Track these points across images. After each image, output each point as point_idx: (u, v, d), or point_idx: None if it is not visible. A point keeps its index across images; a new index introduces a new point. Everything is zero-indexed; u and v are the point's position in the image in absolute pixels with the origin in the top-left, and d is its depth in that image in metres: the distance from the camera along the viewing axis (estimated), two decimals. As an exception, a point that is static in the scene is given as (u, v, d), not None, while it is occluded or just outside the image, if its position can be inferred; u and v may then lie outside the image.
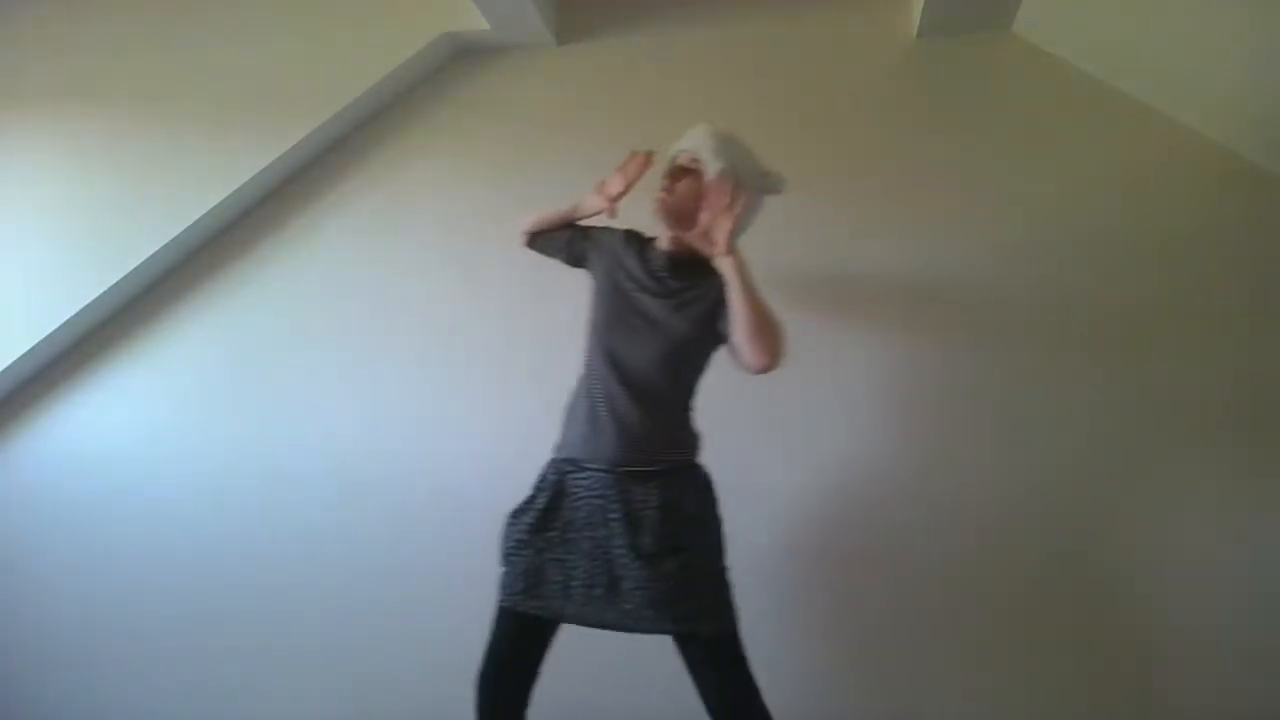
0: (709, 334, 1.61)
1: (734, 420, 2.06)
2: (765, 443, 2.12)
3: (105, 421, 2.42)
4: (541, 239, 1.82)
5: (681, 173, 1.62)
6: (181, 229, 2.30)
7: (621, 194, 1.71)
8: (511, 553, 1.61)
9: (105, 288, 2.31)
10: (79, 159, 2.38)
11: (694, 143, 1.62)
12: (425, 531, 2.25)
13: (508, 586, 1.60)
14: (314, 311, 2.36)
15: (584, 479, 1.59)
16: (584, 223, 1.80)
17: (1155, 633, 1.98)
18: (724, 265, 1.53)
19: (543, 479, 1.65)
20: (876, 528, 2.09)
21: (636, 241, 1.73)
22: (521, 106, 2.33)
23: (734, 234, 1.53)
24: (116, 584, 2.39)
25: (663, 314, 1.61)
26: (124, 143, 2.36)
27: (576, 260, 1.79)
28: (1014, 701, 2.02)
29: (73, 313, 2.32)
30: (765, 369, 1.51)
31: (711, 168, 1.58)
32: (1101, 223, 2.07)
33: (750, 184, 1.59)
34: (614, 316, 1.64)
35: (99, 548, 2.40)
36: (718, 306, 1.58)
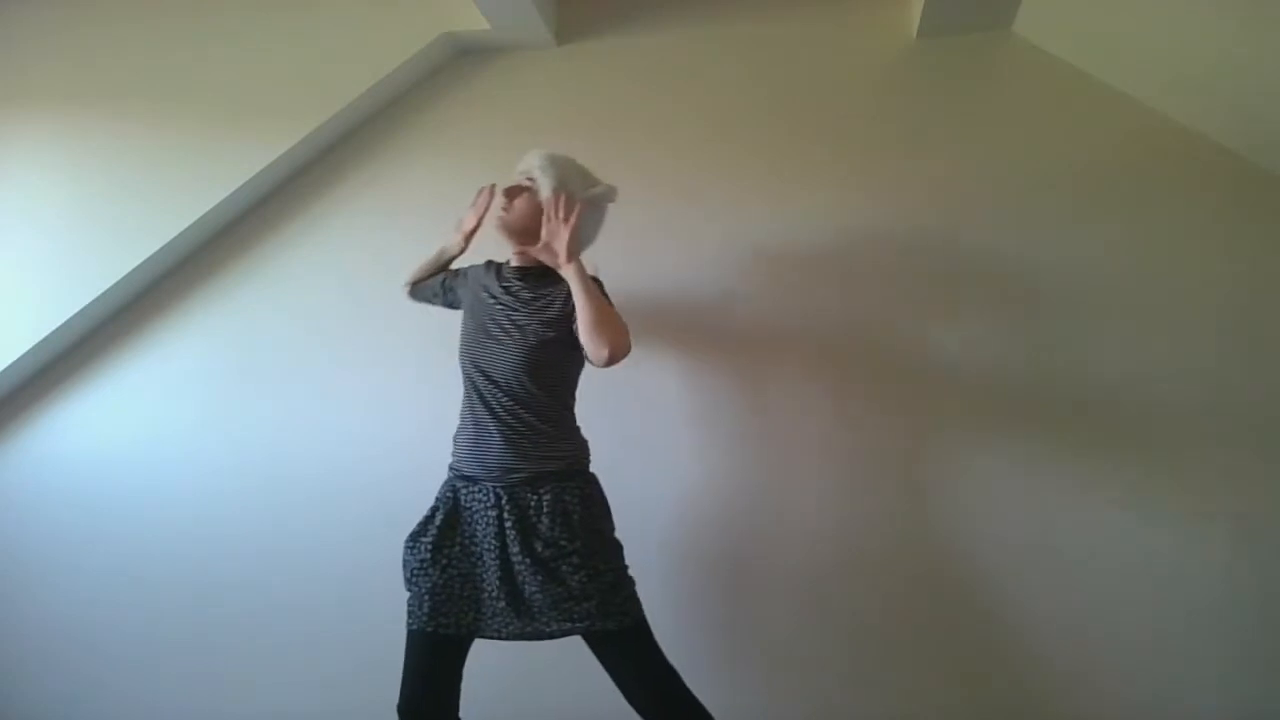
0: (564, 334, 1.67)
1: (732, 413, 2.06)
2: (759, 436, 2.13)
3: (105, 421, 2.42)
4: (419, 288, 2.02)
5: (517, 191, 1.75)
6: (181, 229, 2.30)
7: (475, 229, 1.93)
8: (416, 575, 1.65)
9: (105, 288, 2.31)
10: (79, 159, 2.38)
11: (527, 164, 1.75)
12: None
13: (416, 609, 1.63)
14: (314, 311, 2.36)
15: (477, 491, 1.65)
16: (455, 264, 1.98)
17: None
18: (566, 272, 1.65)
19: (439, 497, 1.71)
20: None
21: (494, 265, 1.87)
22: (521, 106, 2.33)
23: (573, 243, 1.66)
24: (116, 583, 2.39)
25: (519, 320, 1.69)
26: (124, 143, 2.36)
27: (451, 303, 1.95)
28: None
29: (73, 313, 2.31)
30: (605, 362, 1.59)
31: (543, 184, 1.71)
32: (1102, 223, 2.07)
33: (582, 196, 1.72)
34: (477, 330, 1.74)
35: (99, 548, 2.40)
36: (566, 308, 1.68)
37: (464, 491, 1.68)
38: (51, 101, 2.42)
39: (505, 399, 1.65)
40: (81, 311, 2.32)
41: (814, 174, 2.19)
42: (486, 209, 1.88)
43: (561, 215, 1.65)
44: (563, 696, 2.13)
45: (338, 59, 2.29)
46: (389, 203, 2.37)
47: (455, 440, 1.75)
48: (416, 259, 2.33)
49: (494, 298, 1.76)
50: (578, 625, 1.57)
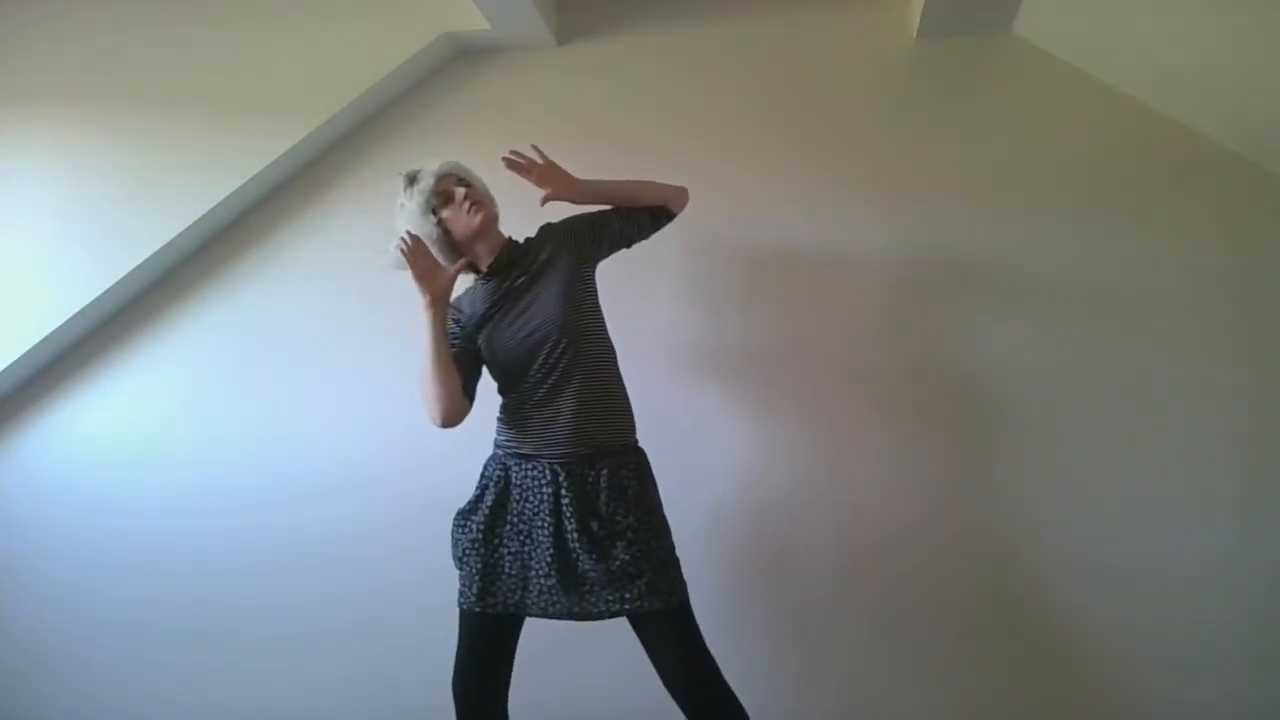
0: (587, 270, 1.72)
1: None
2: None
3: (104, 421, 2.42)
4: (461, 392, 1.69)
5: (442, 203, 1.69)
6: (182, 228, 2.29)
7: (419, 280, 1.65)
8: (467, 554, 1.64)
9: (105, 288, 2.31)
10: (78, 160, 2.38)
11: (426, 183, 1.70)
12: (427, 530, 2.24)
13: (466, 589, 1.63)
14: (314, 311, 2.36)
15: (530, 469, 1.63)
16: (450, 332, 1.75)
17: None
18: (582, 188, 1.72)
19: (487, 475, 1.70)
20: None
21: (465, 295, 1.78)
22: (521, 106, 2.33)
23: (557, 170, 1.71)
24: (116, 582, 2.39)
25: (536, 295, 1.68)
26: (124, 143, 2.36)
27: (478, 355, 1.75)
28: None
29: (72, 313, 2.31)
30: (684, 200, 1.77)
31: (463, 179, 1.72)
32: (1100, 222, 2.07)
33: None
34: (504, 336, 1.68)
35: (99, 547, 2.40)
36: (572, 246, 1.71)
37: (516, 469, 1.65)
38: (51, 102, 2.42)
39: (568, 368, 1.63)
40: (81, 312, 2.32)
41: (814, 174, 2.19)
42: (420, 254, 1.64)
43: (533, 160, 1.70)
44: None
45: (338, 59, 2.29)
46: (389, 203, 2.35)
47: (507, 422, 1.71)
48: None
49: (499, 307, 1.70)
50: (627, 604, 1.55)
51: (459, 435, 2.23)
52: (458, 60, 2.38)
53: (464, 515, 1.68)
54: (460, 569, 1.65)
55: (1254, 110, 1.91)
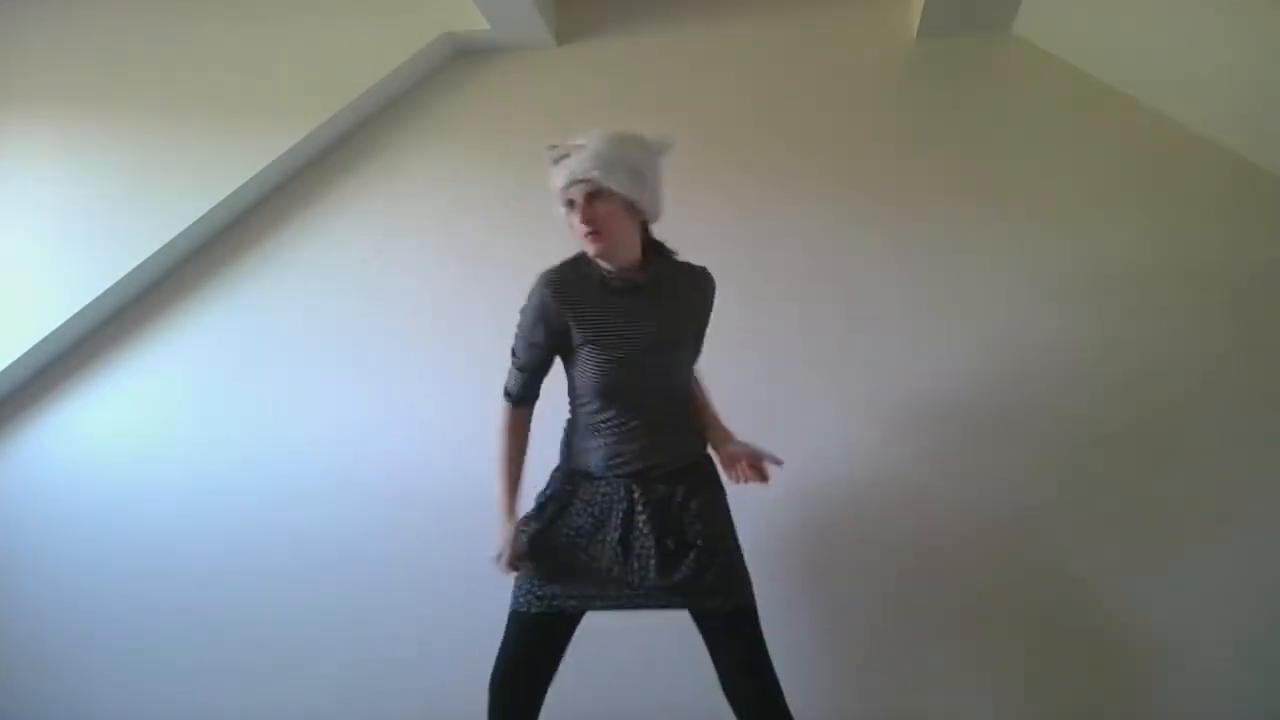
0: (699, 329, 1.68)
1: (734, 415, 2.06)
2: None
3: (104, 421, 2.42)
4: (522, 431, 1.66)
5: (568, 208, 1.52)
6: (182, 229, 2.30)
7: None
8: (523, 558, 1.61)
9: (105, 288, 2.31)
10: (79, 159, 2.38)
11: (557, 181, 1.51)
12: (427, 530, 2.25)
13: (516, 591, 1.61)
14: (314, 311, 2.36)
15: (601, 484, 1.60)
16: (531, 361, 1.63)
17: (1146, 637, 1.99)
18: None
19: (551, 489, 1.65)
20: (871, 528, 2.10)
21: (585, 269, 1.58)
22: (521, 106, 2.33)
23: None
24: (116, 582, 2.38)
25: (657, 312, 1.59)
26: (124, 143, 2.36)
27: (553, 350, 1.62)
28: (1010, 704, 2.03)
29: (72, 313, 2.31)
30: None
31: (616, 182, 1.47)
32: (1101, 222, 2.07)
33: (643, 160, 1.52)
34: (631, 339, 1.57)
35: (99, 546, 2.39)
36: (702, 318, 1.69)
37: (585, 485, 1.62)
38: (51, 102, 2.42)
39: (656, 397, 1.59)
40: (81, 312, 2.32)
41: (814, 173, 2.19)
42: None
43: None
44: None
45: (338, 59, 2.29)
46: (389, 203, 2.37)
47: (575, 445, 1.64)
48: (416, 259, 2.34)
49: (632, 301, 1.56)
50: (686, 603, 1.55)
51: (459, 435, 2.25)
52: (458, 60, 2.38)
53: (525, 520, 1.64)
54: (518, 571, 1.62)
55: (1254, 110, 1.91)
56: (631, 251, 1.55)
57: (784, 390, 2.15)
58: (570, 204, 1.50)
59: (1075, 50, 2.09)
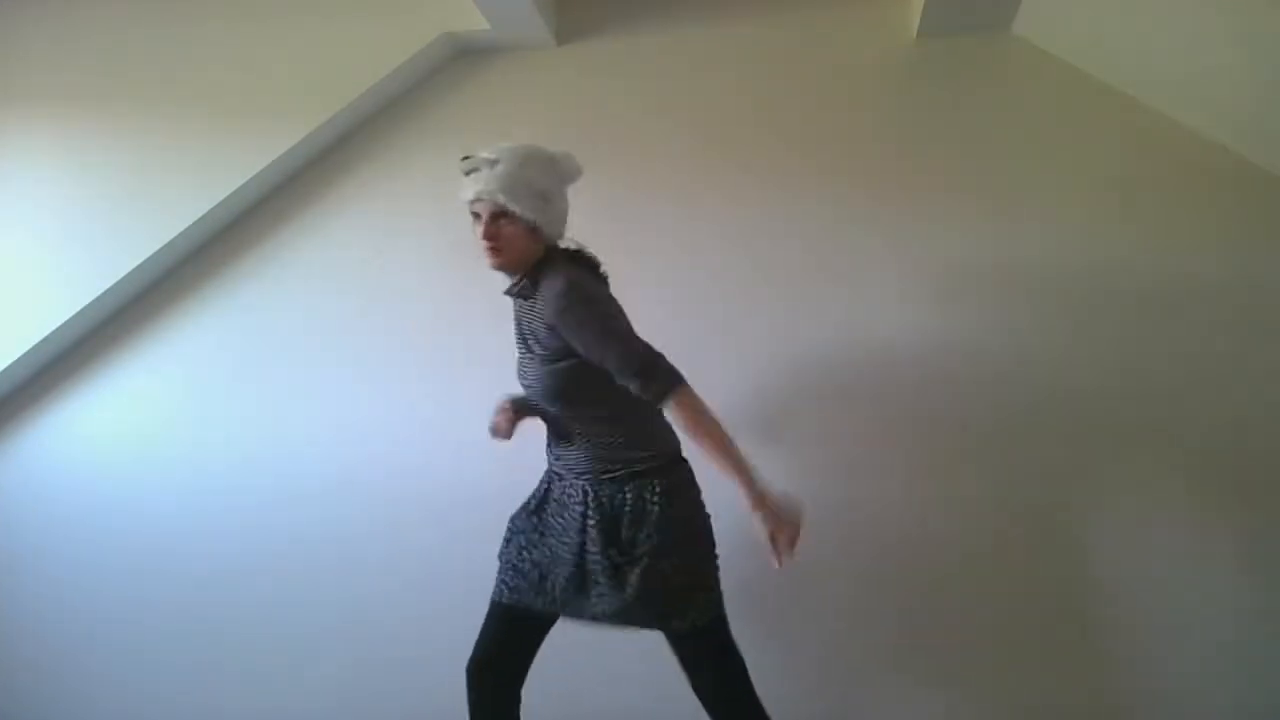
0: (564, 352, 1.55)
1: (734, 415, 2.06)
2: (762, 439, 2.12)
3: (105, 421, 2.42)
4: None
5: (495, 219, 1.54)
6: (182, 229, 2.29)
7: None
8: (502, 551, 1.68)
9: (105, 288, 2.31)
10: (79, 159, 2.38)
11: (485, 187, 1.53)
12: (427, 530, 2.25)
13: (497, 581, 1.66)
14: (314, 312, 2.36)
15: (567, 485, 1.63)
16: None
17: (1131, 645, 1.99)
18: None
19: (540, 482, 1.71)
20: (871, 529, 2.10)
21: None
22: (521, 106, 2.33)
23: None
24: (117, 581, 2.39)
25: (530, 342, 1.63)
26: (124, 143, 2.36)
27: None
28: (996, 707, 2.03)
29: (72, 313, 2.31)
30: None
31: (516, 205, 1.51)
32: (1101, 222, 2.07)
33: (542, 185, 1.55)
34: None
35: (99, 547, 2.40)
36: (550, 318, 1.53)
37: (557, 483, 1.66)
38: (51, 102, 2.42)
39: (558, 411, 1.60)
40: (81, 312, 2.32)
41: (814, 173, 2.19)
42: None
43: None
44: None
45: (338, 59, 2.29)
46: (389, 203, 2.37)
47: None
48: (416, 259, 2.34)
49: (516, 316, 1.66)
50: (644, 624, 1.55)
51: (459, 436, 2.24)
52: (458, 60, 2.38)
53: (514, 514, 1.71)
54: (499, 560, 1.69)
55: (1254, 110, 1.90)
56: (525, 266, 1.59)
57: (784, 390, 2.15)
58: (476, 216, 1.56)
59: (1075, 50, 2.09)
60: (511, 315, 1.68)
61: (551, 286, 1.52)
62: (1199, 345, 2.01)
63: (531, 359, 1.59)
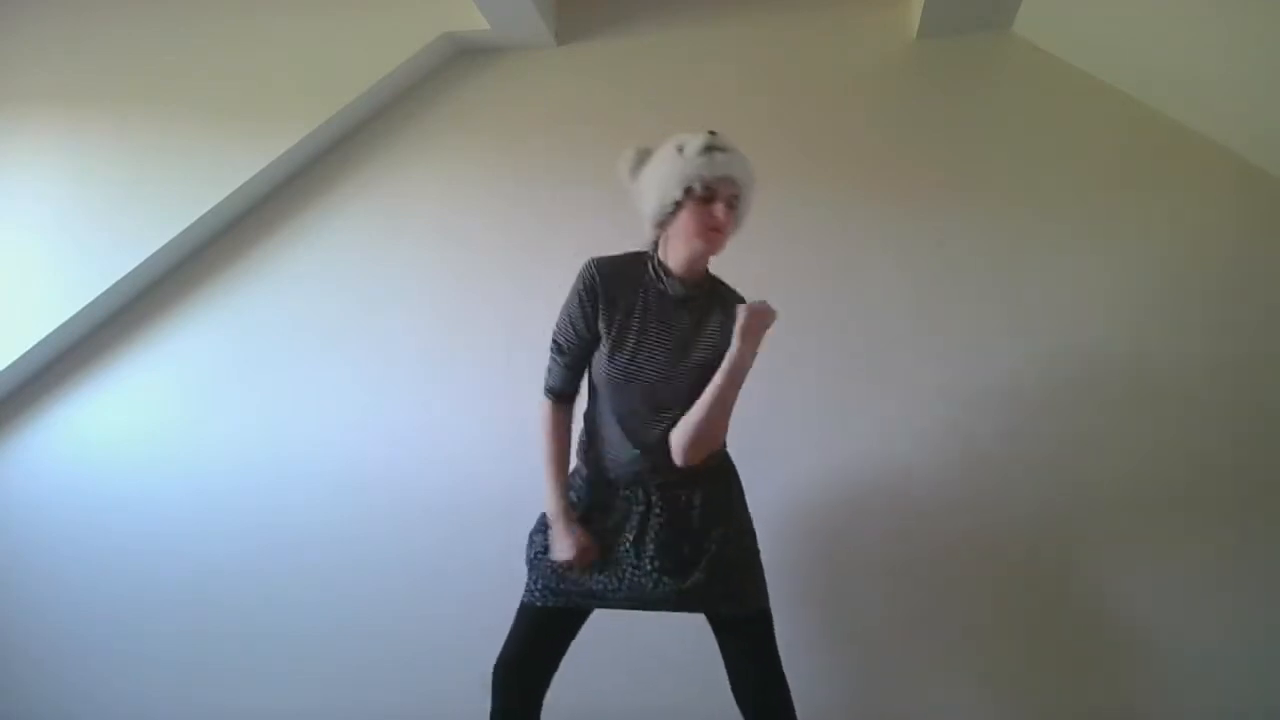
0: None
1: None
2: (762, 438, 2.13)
3: (105, 421, 2.42)
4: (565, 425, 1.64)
5: (699, 200, 1.48)
6: (181, 229, 2.30)
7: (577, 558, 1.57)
8: (537, 558, 1.61)
9: (105, 288, 2.31)
10: (79, 159, 2.38)
11: (698, 167, 1.47)
12: (426, 530, 2.25)
13: (531, 586, 1.61)
14: (314, 312, 2.36)
15: (623, 489, 1.59)
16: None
17: (1146, 646, 1.99)
18: (744, 350, 1.50)
19: (574, 491, 1.64)
20: (872, 529, 2.10)
21: (650, 263, 1.60)
22: (521, 106, 2.33)
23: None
24: (117, 581, 2.38)
25: (697, 339, 1.58)
26: (124, 143, 2.37)
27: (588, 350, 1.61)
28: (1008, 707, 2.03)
29: (73, 313, 2.32)
30: (680, 461, 1.52)
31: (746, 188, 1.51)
32: (1101, 222, 2.07)
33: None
34: (663, 348, 1.57)
35: (99, 546, 2.40)
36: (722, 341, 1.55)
37: (606, 490, 1.61)
38: (51, 102, 2.42)
39: (671, 413, 1.55)
40: (81, 312, 2.32)
41: (814, 173, 2.19)
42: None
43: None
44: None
45: (338, 59, 2.29)
46: (389, 202, 2.37)
47: (590, 449, 1.64)
48: (416, 259, 2.34)
49: (671, 314, 1.56)
50: (708, 606, 1.55)
51: (459, 436, 2.25)
52: (458, 60, 2.38)
53: (540, 530, 1.64)
54: (531, 568, 1.62)
55: (1254, 110, 1.90)
56: (705, 263, 1.58)
57: (784, 391, 2.15)
58: (707, 198, 1.47)
59: (1075, 50, 2.09)
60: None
61: (734, 296, 1.61)
62: (1198, 345, 2.01)
63: (685, 359, 1.55)
